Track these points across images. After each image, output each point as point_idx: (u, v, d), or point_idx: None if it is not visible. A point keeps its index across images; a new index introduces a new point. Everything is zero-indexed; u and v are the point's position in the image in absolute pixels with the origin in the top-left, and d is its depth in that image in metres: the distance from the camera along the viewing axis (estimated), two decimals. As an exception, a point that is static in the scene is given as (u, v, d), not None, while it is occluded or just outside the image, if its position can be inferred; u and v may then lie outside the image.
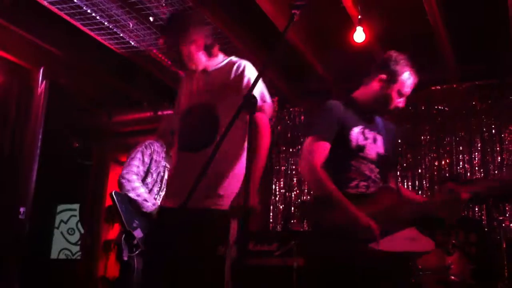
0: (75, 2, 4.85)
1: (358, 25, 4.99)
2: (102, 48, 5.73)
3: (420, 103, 6.61)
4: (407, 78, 2.83)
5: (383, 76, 2.84)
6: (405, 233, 2.64)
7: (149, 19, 5.19)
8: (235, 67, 2.75)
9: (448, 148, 6.38)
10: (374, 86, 2.88)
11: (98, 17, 5.08)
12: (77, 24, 5.20)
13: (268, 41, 5.55)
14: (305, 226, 6.48)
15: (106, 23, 5.16)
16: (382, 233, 2.57)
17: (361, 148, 2.79)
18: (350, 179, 2.75)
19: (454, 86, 6.47)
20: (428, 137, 6.53)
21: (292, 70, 6.45)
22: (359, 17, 4.94)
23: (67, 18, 5.09)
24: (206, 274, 2.53)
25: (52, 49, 5.70)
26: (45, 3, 4.85)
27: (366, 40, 5.14)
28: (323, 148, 2.71)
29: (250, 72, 2.74)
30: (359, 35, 5.03)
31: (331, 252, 2.59)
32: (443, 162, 6.39)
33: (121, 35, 5.41)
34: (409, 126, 6.60)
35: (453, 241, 4.29)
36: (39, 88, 5.62)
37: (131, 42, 5.54)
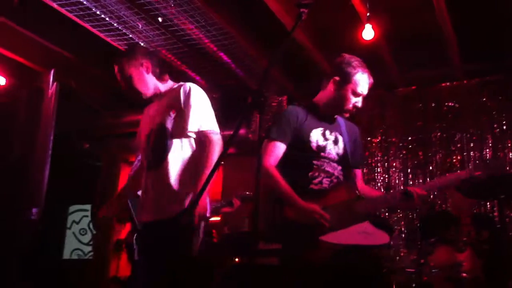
0: (84, 4, 4.88)
1: (367, 23, 4.97)
2: (111, 50, 5.76)
3: (430, 100, 6.59)
4: (360, 79, 2.95)
5: (337, 78, 2.99)
6: (359, 227, 2.75)
7: (158, 20, 5.21)
8: (182, 88, 2.98)
9: (459, 145, 6.34)
10: (330, 88, 3.03)
11: (107, 19, 5.11)
12: (87, 25, 5.23)
13: (274, 39, 5.55)
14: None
15: (115, 24, 5.18)
16: (335, 226, 2.71)
17: (321, 149, 2.95)
18: (314, 177, 2.91)
19: (464, 82, 6.44)
20: (438, 134, 6.50)
21: (299, 68, 6.44)
22: (368, 14, 4.93)
23: (77, 20, 5.12)
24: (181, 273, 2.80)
25: (62, 51, 5.73)
26: (55, 5, 4.88)
27: (373, 38, 5.12)
28: (276, 149, 2.90)
29: (196, 92, 2.99)
30: (368, 33, 5.01)
31: (286, 249, 2.73)
32: (454, 160, 6.36)
33: (130, 36, 5.43)
34: (420, 123, 6.58)
35: (464, 238, 4.29)
36: (49, 90, 5.66)
37: (140, 43, 5.57)
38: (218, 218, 7.63)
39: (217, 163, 2.24)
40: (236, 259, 5.70)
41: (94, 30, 5.31)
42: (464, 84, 6.45)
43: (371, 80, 3.01)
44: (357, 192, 2.89)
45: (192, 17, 5.12)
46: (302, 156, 2.93)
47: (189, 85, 3.02)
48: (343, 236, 2.70)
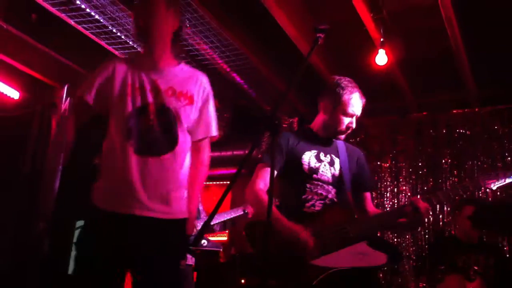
0: (101, 22, 4.94)
1: (380, 48, 4.99)
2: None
3: (441, 126, 6.58)
4: (351, 98, 2.93)
5: (327, 100, 3.00)
6: (354, 248, 2.70)
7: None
8: (204, 79, 2.66)
9: (469, 173, 6.31)
10: (323, 111, 3.05)
11: (123, 36, 5.17)
12: (102, 43, 5.28)
13: (288, 61, 5.59)
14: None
15: (130, 43, 5.24)
16: (327, 248, 2.66)
17: (314, 171, 2.91)
18: (306, 200, 2.87)
19: (476, 110, 6.44)
20: (449, 160, 6.48)
21: (311, 91, 6.46)
22: (382, 39, 4.95)
23: (93, 37, 5.19)
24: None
25: (77, 67, 5.79)
26: (72, 23, 4.95)
27: (387, 64, 5.14)
28: (266, 173, 2.88)
29: (209, 87, 2.69)
30: (381, 58, 5.03)
31: (277, 274, 2.65)
32: (461, 183, 6.32)
33: (145, 54, 5.47)
34: (430, 149, 6.56)
35: (475, 267, 4.24)
36: (63, 105, 5.70)
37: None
38: (225, 238, 7.62)
39: (229, 185, 2.07)
40: (243, 281, 5.67)
41: (109, 48, 5.37)
42: (476, 112, 6.44)
43: (363, 99, 2.99)
44: (352, 213, 2.87)
45: (207, 38, 5.17)
46: (294, 179, 2.92)
47: (204, 77, 2.68)
48: (336, 259, 2.66)
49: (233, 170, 6.66)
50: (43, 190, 5.55)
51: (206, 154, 2.70)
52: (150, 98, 2.47)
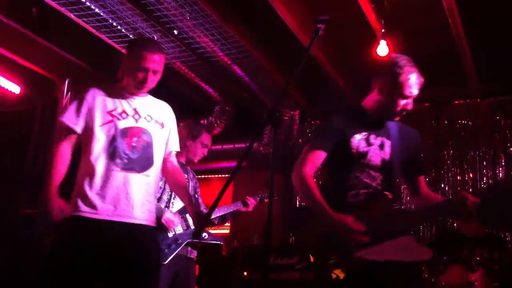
0: (101, 16, 4.93)
1: (382, 39, 4.97)
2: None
3: (443, 118, 6.57)
4: (409, 79, 2.75)
5: (383, 80, 2.82)
6: (399, 241, 2.59)
7: (174, 32, 5.25)
8: (165, 106, 3.09)
9: (471, 164, 6.31)
10: (378, 91, 2.85)
11: (123, 30, 5.15)
12: (103, 36, 5.27)
13: (289, 54, 5.57)
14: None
15: (131, 36, 5.23)
16: (371, 240, 2.54)
17: (362, 155, 2.77)
18: (350, 188, 2.75)
19: (478, 101, 6.43)
20: (451, 152, 6.47)
21: (312, 83, 6.46)
22: (383, 30, 4.93)
23: (93, 30, 5.17)
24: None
25: (78, 61, 5.78)
26: (72, 16, 4.94)
27: (388, 55, 5.12)
28: (315, 157, 2.75)
29: (173, 113, 3.12)
30: (382, 49, 5.01)
31: (315, 265, 2.59)
32: (466, 177, 6.33)
33: (146, 48, 5.46)
34: (432, 141, 6.56)
35: (477, 258, 4.25)
36: (64, 100, 5.70)
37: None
38: (227, 231, 7.64)
39: (229, 178, 2.20)
40: (245, 273, 5.68)
41: (110, 41, 5.36)
42: (478, 103, 6.43)
43: (421, 79, 2.81)
44: (396, 204, 2.74)
45: (208, 30, 5.15)
46: (341, 164, 2.79)
47: (168, 106, 3.16)
48: (381, 252, 2.52)
49: (234, 163, 6.65)
50: (45, 185, 5.55)
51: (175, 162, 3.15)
52: (132, 122, 2.86)
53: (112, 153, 2.75)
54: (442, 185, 6.40)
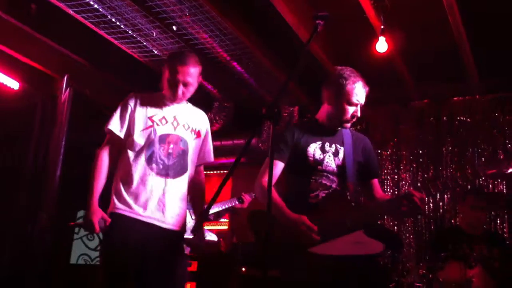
0: (100, 11, 4.91)
1: (381, 35, 4.97)
2: (126, 58, 5.80)
3: (442, 114, 6.57)
4: (354, 88, 2.98)
5: (331, 91, 3.04)
6: (351, 236, 2.78)
7: (173, 28, 5.24)
8: (206, 116, 3.24)
9: (470, 160, 6.31)
10: (327, 102, 3.09)
11: (122, 26, 5.14)
12: (102, 32, 5.26)
13: (288, 50, 5.57)
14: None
15: (130, 32, 5.22)
16: (325, 237, 2.74)
17: (318, 162, 2.99)
18: (311, 191, 2.95)
19: (477, 97, 6.43)
20: (450, 148, 6.47)
21: (312, 79, 6.45)
22: (382, 27, 4.93)
23: (92, 26, 5.16)
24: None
25: (77, 57, 5.77)
26: (71, 12, 4.93)
27: (388, 52, 5.12)
28: (273, 167, 2.92)
29: (208, 123, 3.26)
30: (381, 45, 5.01)
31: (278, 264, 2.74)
32: (465, 174, 6.32)
33: (145, 43, 5.47)
34: (431, 137, 6.56)
35: (475, 254, 4.25)
36: (62, 96, 5.69)
37: (154, 51, 5.60)
38: (225, 228, 7.64)
39: (228, 174, 2.27)
40: (243, 269, 5.69)
41: (109, 37, 5.35)
42: (477, 99, 6.43)
43: (367, 88, 3.04)
44: (350, 202, 2.94)
45: (207, 26, 5.14)
46: (300, 171, 2.99)
47: (205, 115, 3.26)
48: (333, 247, 2.73)
49: (233, 160, 6.66)
50: (45, 183, 5.55)
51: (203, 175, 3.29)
52: (171, 129, 2.99)
53: (149, 157, 2.91)
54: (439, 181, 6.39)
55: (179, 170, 2.96)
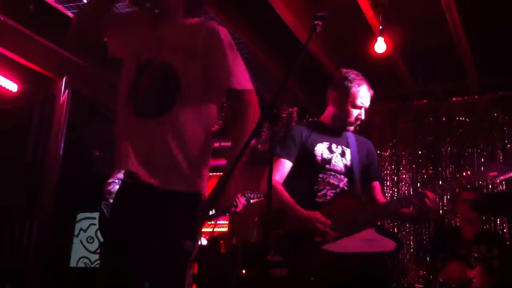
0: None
1: (379, 36, 4.97)
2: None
3: (442, 114, 6.57)
4: (359, 90, 3.04)
5: (336, 93, 3.10)
6: (362, 234, 2.80)
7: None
8: (208, 28, 2.28)
9: (469, 160, 6.31)
10: (332, 104, 3.15)
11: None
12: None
13: (286, 49, 5.56)
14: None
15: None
16: (339, 235, 2.77)
17: (327, 161, 3.03)
18: (319, 190, 2.98)
19: (476, 97, 6.43)
20: (449, 148, 6.47)
21: (311, 80, 6.45)
22: (380, 27, 4.93)
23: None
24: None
25: (75, 58, 5.76)
26: (69, 14, 4.92)
27: (386, 51, 5.12)
28: (281, 166, 3.00)
29: (226, 37, 2.31)
30: (380, 46, 5.01)
31: (290, 261, 2.79)
32: (464, 174, 6.32)
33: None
34: (430, 137, 6.55)
35: (475, 255, 4.24)
36: (61, 97, 5.68)
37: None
38: (225, 229, 7.63)
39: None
40: (244, 271, 5.68)
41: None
42: (476, 99, 6.43)
43: (371, 91, 3.09)
44: (361, 200, 2.96)
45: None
46: (308, 170, 3.02)
47: (218, 27, 2.29)
48: (346, 245, 2.75)
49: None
50: (44, 182, 5.54)
51: (243, 107, 2.25)
52: (153, 54, 2.17)
53: (130, 93, 2.24)
54: (440, 182, 6.37)
55: (162, 107, 2.16)
